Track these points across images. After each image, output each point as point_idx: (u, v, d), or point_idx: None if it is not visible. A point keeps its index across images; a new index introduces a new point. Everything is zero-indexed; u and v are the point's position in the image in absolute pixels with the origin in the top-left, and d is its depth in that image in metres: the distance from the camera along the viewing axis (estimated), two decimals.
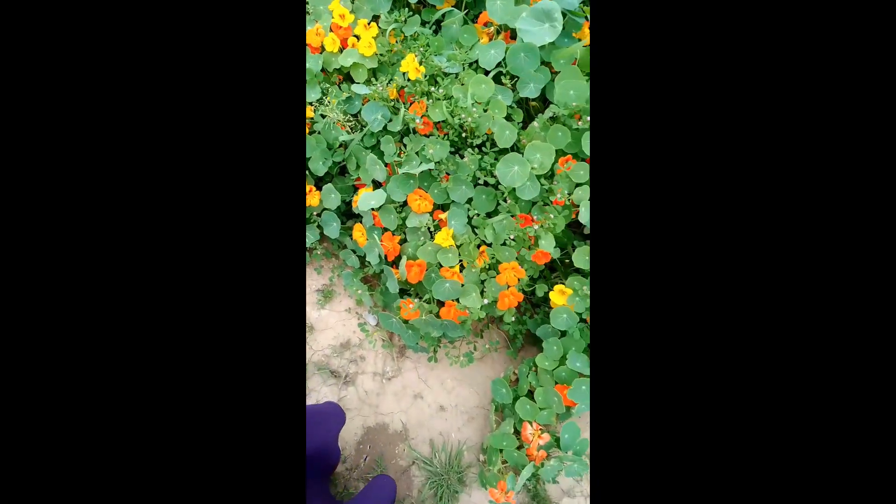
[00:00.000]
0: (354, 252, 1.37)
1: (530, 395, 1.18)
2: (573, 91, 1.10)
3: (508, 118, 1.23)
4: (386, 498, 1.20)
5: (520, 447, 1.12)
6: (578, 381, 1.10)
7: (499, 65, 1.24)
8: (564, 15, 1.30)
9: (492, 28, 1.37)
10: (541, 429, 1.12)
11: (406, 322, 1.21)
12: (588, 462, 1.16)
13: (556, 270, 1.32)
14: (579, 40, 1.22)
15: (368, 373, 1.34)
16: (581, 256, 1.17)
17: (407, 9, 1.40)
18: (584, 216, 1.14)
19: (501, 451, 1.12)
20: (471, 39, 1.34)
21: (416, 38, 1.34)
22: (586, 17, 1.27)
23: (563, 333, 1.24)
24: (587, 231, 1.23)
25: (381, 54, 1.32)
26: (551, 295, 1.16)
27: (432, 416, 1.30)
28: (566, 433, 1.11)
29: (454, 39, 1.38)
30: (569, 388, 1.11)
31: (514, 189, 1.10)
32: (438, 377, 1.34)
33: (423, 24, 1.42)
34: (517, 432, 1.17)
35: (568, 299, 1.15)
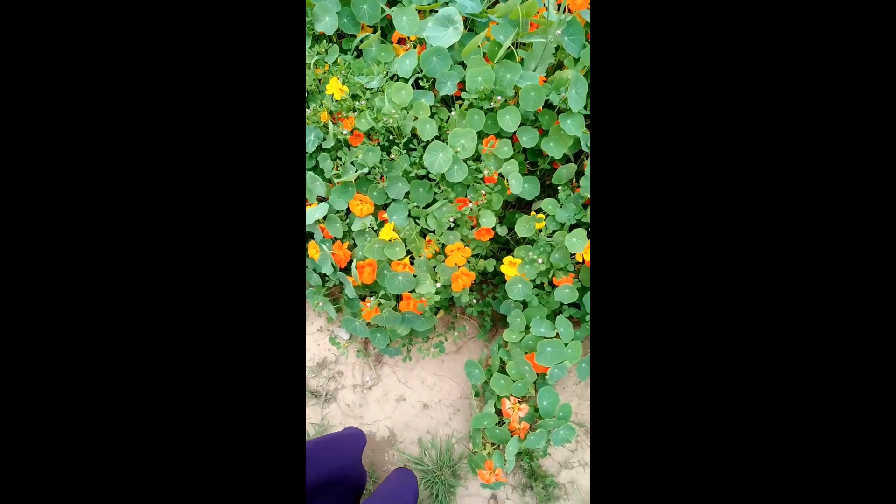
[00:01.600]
0: (315, 270, 1.40)
1: (504, 371, 1.18)
2: (481, 77, 1.18)
3: (433, 116, 1.31)
4: (409, 490, 1.15)
5: (501, 424, 1.11)
6: (543, 343, 1.11)
7: (416, 72, 1.34)
8: (468, 20, 1.42)
9: (409, 44, 1.49)
10: (518, 401, 1.11)
11: (369, 323, 1.22)
12: (574, 428, 1.15)
13: (511, 249, 1.35)
14: (489, 39, 1.33)
15: (348, 386, 1.34)
16: (523, 226, 1.21)
17: (326, 41, 1.52)
18: (516, 187, 1.20)
19: (484, 431, 1.11)
20: (388, 57, 1.45)
21: (337, 63, 1.45)
22: (489, 19, 1.39)
23: (526, 305, 1.26)
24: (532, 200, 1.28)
25: (308, 85, 1.42)
26: (503, 268, 1.19)
27: (417, 415, 1.29)
28: (543, 400, 1.10)
29: (374, 60, 1.49)
30: (536, 354, 1.12)
31: (443, 175, 1.16)
32: (418, 376, 1.34)
33: (344, 51, 1.53)
34: (498, 411, 1.16)
35: (519, 269, 1.18)
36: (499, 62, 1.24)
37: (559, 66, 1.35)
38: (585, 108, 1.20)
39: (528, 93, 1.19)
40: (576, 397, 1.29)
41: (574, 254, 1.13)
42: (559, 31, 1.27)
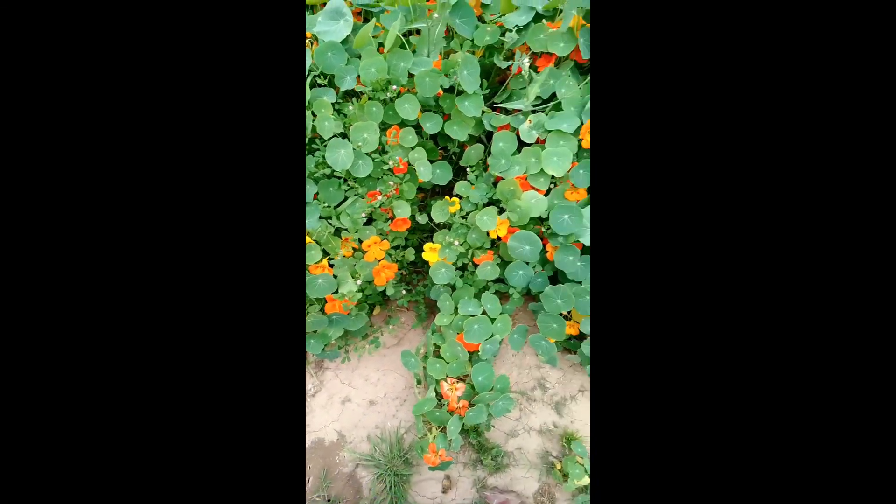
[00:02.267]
0: None
1: (439, 355, 1.21)
2: (374, 68, 1.17)
3: (340, 112, 1.29)
4: None
5: (441, 406, 1.14)
6: (469, 322, 1.14)
7: (312, 70, 1.30)
8: (362, 11, 1.40)
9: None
10: (455, 381, 1.14)
11: None
12: (513, 398, 1.19)
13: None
14: (381, 28, 1.31)
15: None
16: (439, 210, 1.23)
17: None
18: (425, 174, 1.21)
19: (425, 416, 1.14)
20: None
21: None
22: (383, 8, 1.37)
23: (455, 288, 1.29)
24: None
25: None
26: (424, 255, 1.20)
27: (364, 413, 1.29)
28: (479, 375, 1.14)
29: None
30: (465, 333, 1.15)
31: (349, 172, 1.15)
32: (362, 375, 1.34)
33: None
34: (439, 394, 1.18)
35: (440, 253, 1.20)
36: (391, 51, 1.23)
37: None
38: (483, 87, 1.23)
39: (422, 79, 1.19)
40: (515, 368, 1.35)
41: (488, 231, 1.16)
42: (447, 13, 1.28)
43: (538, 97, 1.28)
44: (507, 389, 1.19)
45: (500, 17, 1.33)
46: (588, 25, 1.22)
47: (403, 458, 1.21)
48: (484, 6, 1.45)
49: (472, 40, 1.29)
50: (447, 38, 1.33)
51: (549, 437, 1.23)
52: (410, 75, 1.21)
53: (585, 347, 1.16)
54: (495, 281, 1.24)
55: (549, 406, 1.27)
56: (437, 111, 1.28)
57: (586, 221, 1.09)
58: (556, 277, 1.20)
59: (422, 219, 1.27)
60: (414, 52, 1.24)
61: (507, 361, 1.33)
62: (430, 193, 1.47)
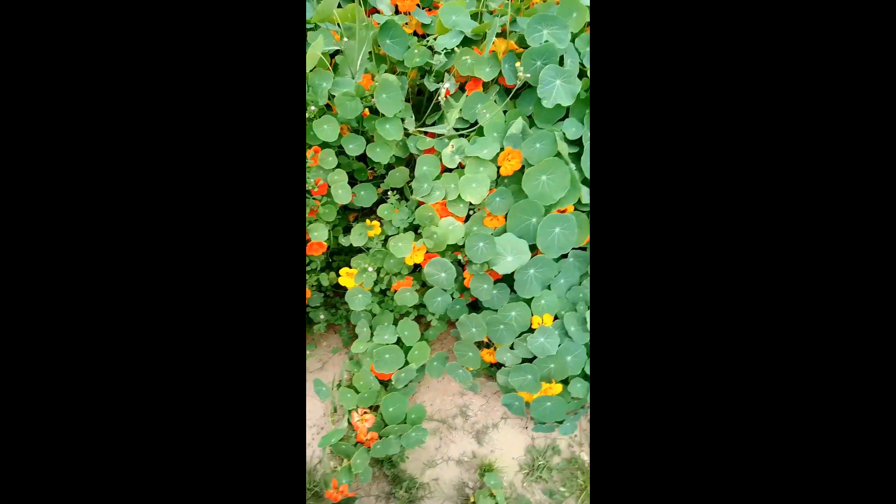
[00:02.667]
0: None
1: (351, 384, 1.17)
2: None
3: None
4: None
5: (350, 437, 1.10)
6: (381, 350, 1.11)
7: None
8: None
9: None
10: (365, 412, 1.11)
11: None
12: (426, 429, 1.16)
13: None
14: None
15: None
16: (357, 234, 1.20)
17: None
18: (342, 197, 1.18)
19: (332, 448, 1.10)
20: None
21: None
22: (314, 26, 1.35)
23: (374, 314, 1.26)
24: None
25: None
26: (341, 280, 1.17)
27: None
28: (389, 406, 1.10)
29: None
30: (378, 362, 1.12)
31: None
32: None
33: None
34: (350, 424, 1.15)
35: (356, 278, 1.17)
36: (312, 70, 1.20)
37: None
38: (401, 112, 1.21)
39: (342, 101, 1.17)
40: (439, 394, 1.32)
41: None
42: (371, 34, 1.26)
43: (465, 120, 1.27)
44: (422, 419, 1.16)
45: (434, 39, 1.32)
46: (518, 50, 1.23)
47: (314, 491, 1.16)
48: (425, 26, 1.44)
49: (403, 61, 1.28)
50: (380, 59, 1.32)
51: (467, 467, 1.20)
52: (332, 96, 1.19)
53: (501, 376, 1.14)
54: (415, 306, 1.22)
55: (470, 434, 1.24)
56: (362, 132, 1.26)
57: (500, 249, 1.08)
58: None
59: (346, 241, 1.24)
60: (335, 71, 1.21)
61: (432, 387, 1.31)
62: (359, 215, 1.44)
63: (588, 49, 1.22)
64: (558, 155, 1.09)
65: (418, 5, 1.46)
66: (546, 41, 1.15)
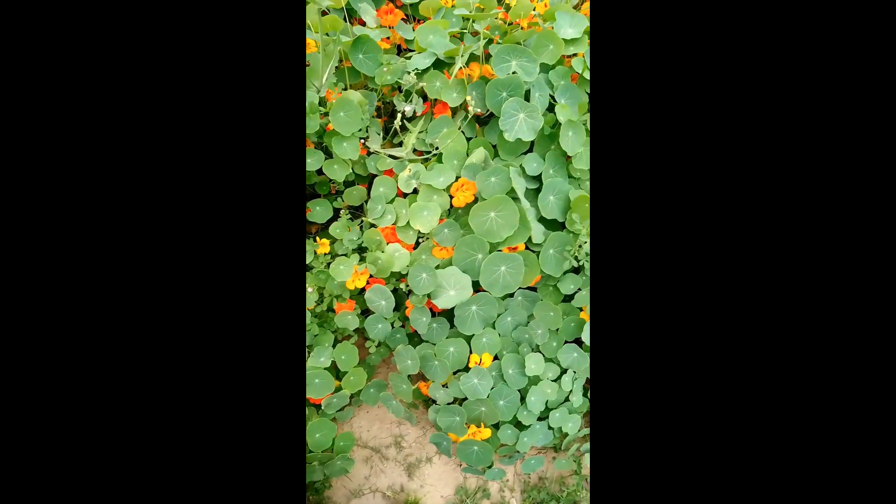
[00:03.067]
0: None
1: None
2: None
3: None
4: None
5: None
6: (311, 374, 1.08)
7: None
8: None
9: None
10: None
11: None
12: (352, 459, 1.13)
13: None
14: None
15: None
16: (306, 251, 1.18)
17: None
18: None
19: None
20: None
21: None
22: None
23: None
24: None
25: None
26: None
27: None
28: (315, 433, 1.07)
29: None
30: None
31: None
32: None
33: None
34: None
35: None
36: None
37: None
38: (361, 131, 1.18)
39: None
40: (377, 421, 1.29)
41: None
42: (338, 48, 1.23)
43: (430, 145, 1.24)
44: (350, 448, 1.13)
45: (409, 58, 1.30)
46: (475, 78, 1.19)
47: None
48: (408, 41, 1.42)
49: (374, 78, 1.26)
50: (353, 73, 1.30)
51: (393, 501, 1.16)
52: None
53: (431, 413, 1.10)
54: (355, 330, 1.19)
55: (402, 466, 1.21)
56: (323, 147, 1.23)
57: (443, 282, 1.04)
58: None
59: None
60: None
61: (371, 413, 1.28)
62: (319, 228, 1.42)
63: (563, 82, 1.19)
64: (511, 192, 1.06)
65: (404, 20, 1.44)
66: (514, 72, 1.12)
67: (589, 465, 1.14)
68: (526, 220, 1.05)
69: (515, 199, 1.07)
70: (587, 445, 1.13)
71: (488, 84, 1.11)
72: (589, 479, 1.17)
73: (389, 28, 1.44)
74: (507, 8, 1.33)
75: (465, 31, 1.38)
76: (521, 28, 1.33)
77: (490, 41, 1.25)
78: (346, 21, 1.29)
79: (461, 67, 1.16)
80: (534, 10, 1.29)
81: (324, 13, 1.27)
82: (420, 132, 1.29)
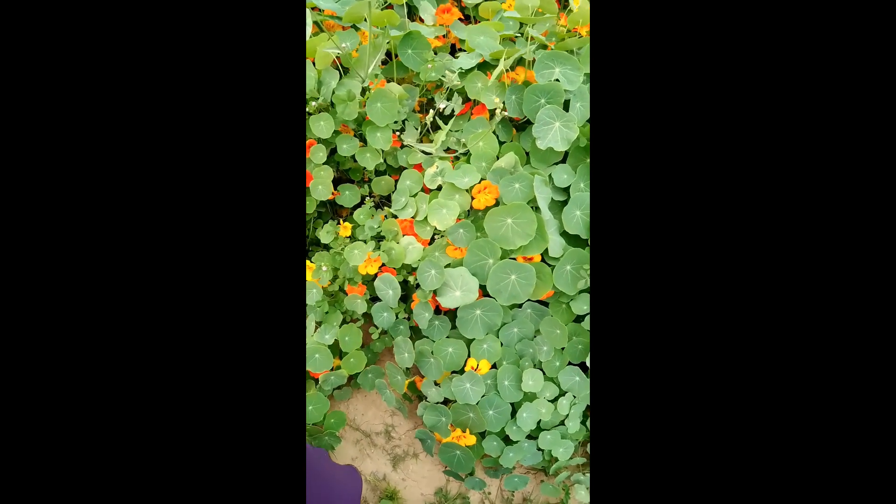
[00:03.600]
0: None
1: None
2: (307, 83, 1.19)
3: None
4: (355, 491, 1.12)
5: None
6: (312, 349, 1.12)
7: None
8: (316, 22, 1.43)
9: None
10: None
11: None
12: (341, 438, 1.15)
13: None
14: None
15: None
16: (325, 232, 1.22)
17: None
18: (322, 193, 1.21)
19: None
20: None
21: None
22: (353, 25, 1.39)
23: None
24: None
25: None
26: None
27: None
28: (310, 405, 1.11)
29: None
30: None
31: None
32: None
33: None
34: None
35: (313, 274, 1.19)
36: (323, 68, 1.24)
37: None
38: (396, 123, 1.21)
39: (340, 101, 1.19)
40: (373, 406, 1.30)
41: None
42: (386, 41, 1.26)
43: (464, 144, 1.24)
44: (340, 426, 1.16)
45: (456, 57, 1.30)
46: (510, 81, 1.17)
47: None
48: (462, 41, 1.43)
49: (419, 73, 1.28)
50: (401, 67, 1.33)
51: (373, 487, 1.18)
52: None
53: (420, 409, 1.10)
54: (364, 314, 1.22)
55: (388, 456, 1.22)
56: (359, 135, 1.28)
57: (450, 282, 1.04)
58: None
59: (316, 235, 1.27)
60: (346, 72, 1.24)
61: (368, 399, 1.30)
62: (349, 214, 1.47)
63: None
64: (532, 201, 1.03)
65: (461, 20, 1.45)
66: (556, 80, 1.09)
67: (576, 497, 1.08)
68: (544, 231, 1.01)
69: (536, 208, 1.04)
70: (578, 475, 1.07)
71: (526, 89, 1.09)
72: None
73: (445, 27, 1.46)
74: (569, 13, 1.29)
75: (519, 35, 1.37)
76: (580, 35, 1.29)
77: (544, 46, 1.22)
78: (405, 18, 1.33)
79: (504, 70, 1.15)
80: None
81: (388, 6, 1.31)
82: (456, 131, 1.30)
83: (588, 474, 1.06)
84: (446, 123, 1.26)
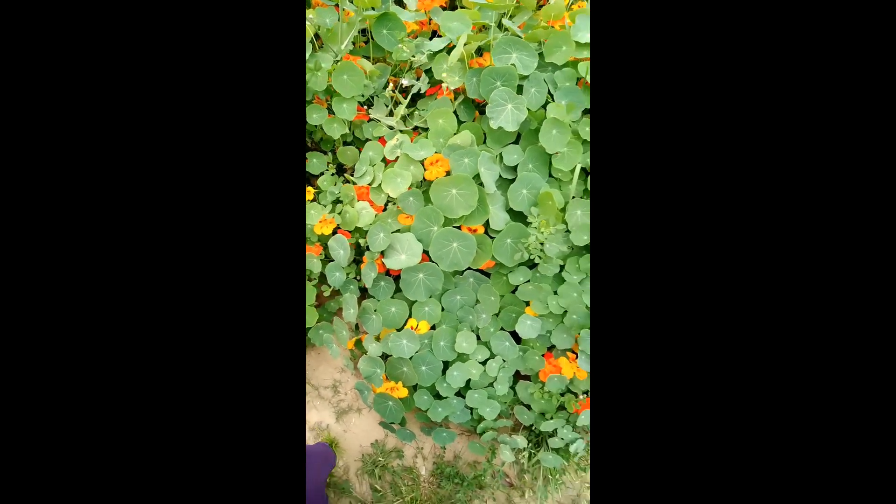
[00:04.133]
0: None
1: None
2: None
3: None
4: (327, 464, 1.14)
5: None
6: None
7: None
8: None
9: None
10: None
11: None
12: None
13: None
14: None
15: None
16: None
17: None
18: None
19: None
20: None
21: None
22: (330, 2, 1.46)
23: None
24: None
25: None
26: None
27: None
28: None
29: None
30: None
31: None
32: None
33: None
34: None
35: None
36: None
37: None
38: (361, 96, 1.27)
39: (311, 72, 1.26)
40: (325, 361, 1.38)
41: None
42: (359, 20, 1.33)
43: (426, 121, 1.31)
44: None
45: (429, 39, 1.37)
46: (477, 66, 1.24)
47: None
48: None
49: (392, 53, 1.35)
50: (377, 48, 1.40)
51: (315, 435, 1.25)
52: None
53: (361, 362, 1.17)
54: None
55: (333, 409, 1.30)
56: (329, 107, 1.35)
57: (397, 245, 1.11)
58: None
59: None
60: (321, 46, 1.31)
61: (321, 355, 1.37)
62: (316, 180, 1.54)
63: (568, 84, 1.21)
64: (477, 177, 1.10)
65: (443, 7, 1.52)
66: (512, 64, 1.16)
67: (501, 456, 1.15)
68: (485, 203, 1.08)
69: (480, 184, 1.11)
70: (504, 437, 1.14)
71: (483, 71, 1.15)
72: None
73: (426, 13, 1.53)
74: (541, 6, 1.36)
75: (492, 24, 1.43)
76: (552, 28, 1.35)
77: (518, 37, 1.29)
78: (390, 1, 1.40)
79: (462, 52, 1.22)
80: (568, 10, 1.31)
81: None
82: (423, 110, 1.37)
83: (513, 436, 1.13)
84: (413, 101, 1.34)
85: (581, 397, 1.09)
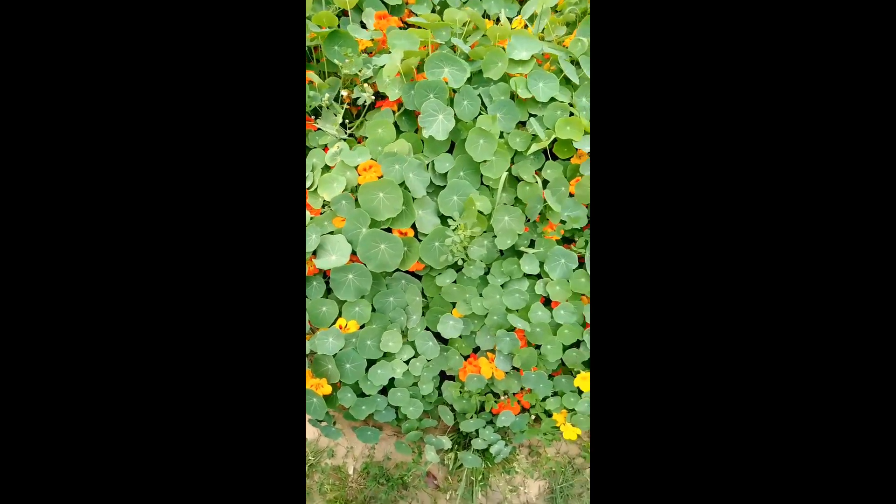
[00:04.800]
0: None
1: None
2: None
3: None
4: None
5: None
6: None
7: None
8: None
9: None
10: None
11: None
12: None
13: None
14: None
15: None
16: None
17: None
18: None
19: None
20: None
21: None
22: None
23: None
24: None
25: None
26: None
27: None
28: None
29: None
30: None
31: None
32: None
33: None
34: None
35: None
36: None
37: None
38: (310, 107, 1.35)
39: None
40: None
41: None
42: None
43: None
44: None
45: (378, 55, 1.45)
46: (414, 80, 1.31)
47: None
48: None
49: (341, 67, 1.43)
50: (330, 64, 1.48)
51: None
52: None
53: None
54: None
55: None
56: None
57: (328, 246, 1.15)
58: None
59: None
60: None
61: None
62: None
63: (503, 98, 1.27)
64: (403, 184, 1.15)
65: (401, 27, 1.61)
66: (444, 78, 1.23)
67: (426, 456, 1.16)
68: (411, 206, 1.13)
69: (407, 189, 1.16)
70: (429, 437, 1.15)
71: (417, 85, 1.22)
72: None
73: (382, 32, 1.62)
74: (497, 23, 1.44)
75: (442, 43, 1.52)
76: (492, 46, 1.44)
77: (466, 57, 1.36)
78: (352, 22, 1.50)
79: (406, 68, 1.29)
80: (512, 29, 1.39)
81: (343, 13, 1.48)
82: (367, 121, 1.44)
83: (438, 437, 1.14)
84: (361, 112, 1.41)
85: (503, 398, 1.11)
